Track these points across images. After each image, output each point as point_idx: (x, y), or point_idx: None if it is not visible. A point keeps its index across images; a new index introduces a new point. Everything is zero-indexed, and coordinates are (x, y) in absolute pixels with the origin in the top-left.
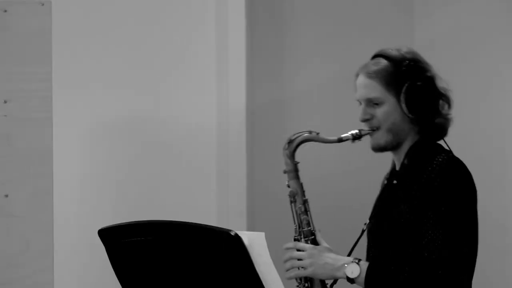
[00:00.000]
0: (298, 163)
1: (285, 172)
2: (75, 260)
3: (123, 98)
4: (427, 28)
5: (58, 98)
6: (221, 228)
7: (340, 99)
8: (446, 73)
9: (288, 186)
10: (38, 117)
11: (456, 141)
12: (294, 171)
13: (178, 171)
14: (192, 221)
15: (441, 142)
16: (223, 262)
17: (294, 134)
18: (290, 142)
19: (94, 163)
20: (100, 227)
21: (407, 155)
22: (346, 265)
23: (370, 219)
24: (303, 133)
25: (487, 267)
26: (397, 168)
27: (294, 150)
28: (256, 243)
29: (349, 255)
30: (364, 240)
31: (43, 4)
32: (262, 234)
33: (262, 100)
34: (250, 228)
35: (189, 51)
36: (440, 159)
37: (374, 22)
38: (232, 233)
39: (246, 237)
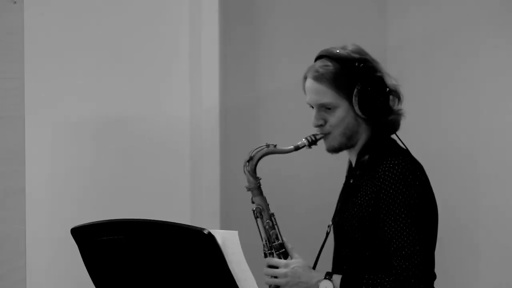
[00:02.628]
0: (260, 179)
1: (248, 189)
2: (48, 259)
3: (95, 97)
4: (399, 28)
5: (30, 97)
6: (194, 226)
7: None
8: (419, 72)
9: (253, 202)
10: (10, 115)
11: (427, 140)
12: (257, 188)
13: (151, 170)
14: (166, 220)
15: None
16: (196, 261)
17: (253, 151)
18: (250, 159)
19: (66, 161)
20: (73, 226)
21: (361, 153)
22: (319, 283)
23: (332, 220)
24: (261, 148)
25: (460, 265)
26: (353, 165)
27: (255, 167)
28: (229, 242)
29: (317, 258)
30: (330, 242)
31: (15, 2)
32: (235, 233)
33: (235, 100)
34: (224, 227)
35: (162, 50)
36: (390, 164)
37: (347, 23)
38: (206, 232)
39: (220, 235)
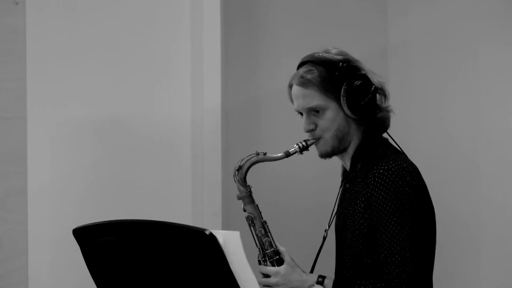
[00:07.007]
0: (251, 187)
1: (239, 198)
2: (49, 259)
3: (97, 98)
4: (400, 27)
5: (32, 98)
6: (196, 227)
7: None
8: (420, 72)
9: (245, 211)
10: (12, 116)
11: (427, 139)
12: (248, 196)
13: (153, 171)
14: (167, 221)
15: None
16: (198, 261)
17: (242, 160)
18: (239, 168)
19: (67, 162)
20: (74, 227)
21: (355, 157)
22: (312, 287)
23: (329, 224)
24: (251, 156)
25: (460, 265)
26: (348, 169)
27: (245, 176)
28: (231, 242)
29: (314, 263)
30: (327, 246)
31: (17, 3)
32: (237, 233)
33: (237, 100)
34: (225, 227)
35: (164, 51)
36: (380, 170)
37: (348, 22)
38: (207, 232)
39: (221, 236)
